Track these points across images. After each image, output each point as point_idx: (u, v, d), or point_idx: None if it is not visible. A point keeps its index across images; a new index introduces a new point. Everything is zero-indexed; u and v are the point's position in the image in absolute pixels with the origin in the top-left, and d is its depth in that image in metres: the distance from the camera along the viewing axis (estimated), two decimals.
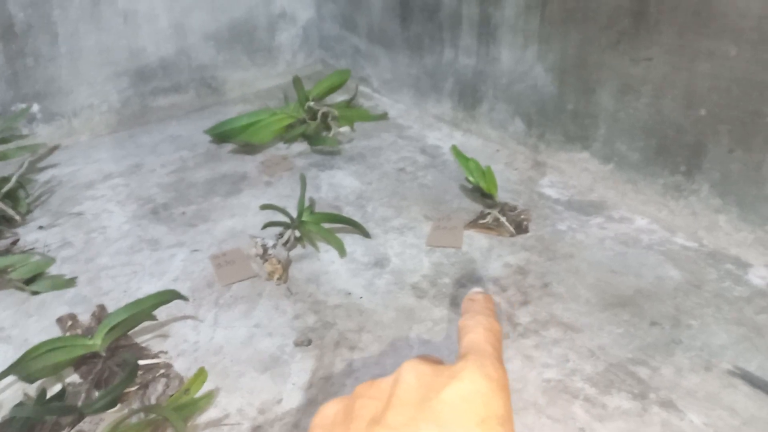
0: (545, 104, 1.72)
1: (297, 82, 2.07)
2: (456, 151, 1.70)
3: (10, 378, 1.20)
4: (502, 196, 1.69)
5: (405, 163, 1.94)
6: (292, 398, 1.17)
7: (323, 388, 1.19)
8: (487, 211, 1.61)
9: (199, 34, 2.28)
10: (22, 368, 1.17)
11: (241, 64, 2.42)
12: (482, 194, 1.68)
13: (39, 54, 2.01)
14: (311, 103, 2.08)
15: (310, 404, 1.16)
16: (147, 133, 2.20)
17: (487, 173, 1.63)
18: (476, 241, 1.57)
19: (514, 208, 1.62)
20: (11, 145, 1.92)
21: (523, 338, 1.28)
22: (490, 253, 1.53)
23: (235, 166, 1.99)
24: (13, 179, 1.72)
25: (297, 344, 1.30)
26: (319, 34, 2.54)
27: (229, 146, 2.09)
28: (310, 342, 1.30)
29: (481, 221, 1.59)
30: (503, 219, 1.57)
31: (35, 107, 2.06)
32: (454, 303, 1.38)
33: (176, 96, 2.31)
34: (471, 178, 1.65)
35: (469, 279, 1.45)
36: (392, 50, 2.20)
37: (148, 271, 1.54)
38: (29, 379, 1.17)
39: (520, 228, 1.57)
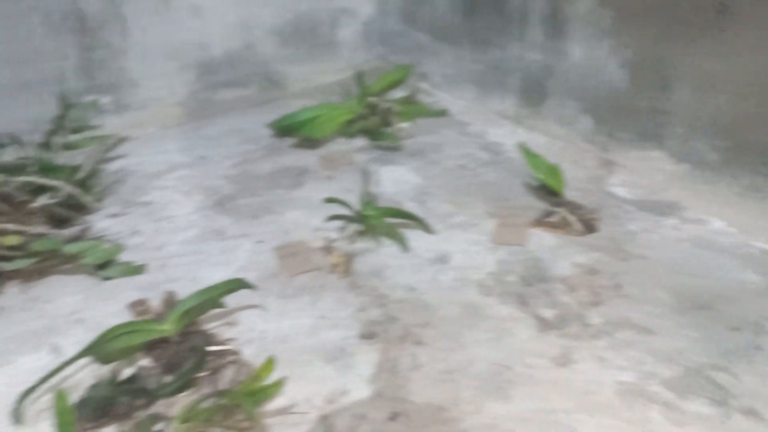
0: (617, 101, 1.68)
1: (359, 77, 2.07)
2: (523, 147, 1.67)
3: (86, 359, 1.23)
4: (569, 194, 1.66)
5: (466, 160, 1.92)
6: (359, 390, 1.17)
7: (389, 381, 1.18)
8: (555, 209, 1.58)
9: (264, 28, 2.30)
10: (97, 350, 1.20)
11: (303, 58, 2.44)
12: (548, 192, 1.65)
13: (110, 47, 2.07)
14: (372, 99, 2.08)
15: (377, 397, 1.15)
16: (212, 126, 2.24)
17: (554, 171, 1.60)
18: (543, 240, 1.54)
19: (582, 207, 1.59)
20: (83, 136, 1.97)
21: (595, 339, 1.24)
22: (558, 252, 1.50)
23: (297, 159, 2.01)
24: (87, 168, 1.77)
25: (362, 337, 1.30)
26: (380, 30, 2.54)
27: (291, 140, 2.11)
28: (375, 335, 1.30)
29: (548, 219, 1.56)
30: (572, 218, 1.54)
31: (106, 99, 2.12)
32: (522, 301, 1.35)
33: (240, 89, 2.35)
34: (538, 176, 1.62)
35: (536, 278, 1.42)
36: (455, 45, 2.18)
37: (215, 260, 1.56)
38: (104, 361, 1.20)
39: (589, 227, 1.54)
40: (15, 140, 1.76)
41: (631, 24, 1.59)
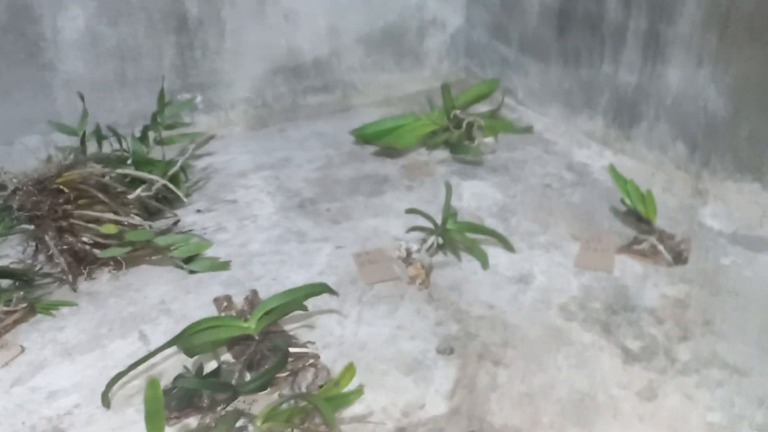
0: (715, 128, 1.61)
1: (445, 89, 2.07)
2: (614, 171, 1.63)
3: (171, 349, 1.28)
4: (658, 222, 1.60)
5: (551, 179, 1.89)
6: (436, 405, 1.17)
7: (467, 399, 1.17)
8: (643, 237, 1.53)
9: (352, 36, 2.34)
10: (184, 342, 1.24)
11: (388, 67, 2.46)
12: (637, 218, 1.60)
13: (206, 48, 2.14)
14: (457, 112, 2.07)
15: (454, 413, 1.14)
16: (296, 129, 2.28)
17: (647, 197, 1.55)
18: (629, 267, 1.50)
19: (672, 237, 1.54)
20: (175, 132, 2.04)
21: (682, 375, 1.20)
22: (645, 281, 1.45)
23: (378, 167, 2.02)
24: (179, 164, 1.83)
25: (440, 351, 1.29)
26: (466, 42, 2.53)
27: (372, 147, 2.13)
28: (452, 351, 1.29)
29: (636, 247, 1.52)
30: (661, 247, 1.49)
31: (198, 97, 2.19)
32: (606, 329, 1.32)
33: (325, 95, 2.39)
34: (627, 201, 1.58)
35: (622, 306, 1.38)
36: (544, 61, 2.15)
37: (296, 261, 1.59)
38: (189, 353, 1.24)
39: (679, 258, 1.48)
40: (114, 133, 1.84)
41: (735, 49, 1.53)
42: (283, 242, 1.67)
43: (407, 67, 2.49)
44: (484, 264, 1.53)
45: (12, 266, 1.53)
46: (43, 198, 1.47)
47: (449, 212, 1.59)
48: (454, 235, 1.56)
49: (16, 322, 1.40)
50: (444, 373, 1.24)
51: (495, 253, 1.57)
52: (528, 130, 2.16)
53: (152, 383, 1.03)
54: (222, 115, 2.27)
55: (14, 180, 1.53)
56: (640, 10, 1.75)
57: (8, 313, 1.39)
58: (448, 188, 1.63)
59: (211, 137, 2.21)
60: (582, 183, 1.86)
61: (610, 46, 1.88)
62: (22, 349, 1.34)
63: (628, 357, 1.25)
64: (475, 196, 1.82)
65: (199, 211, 1.81)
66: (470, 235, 1.58)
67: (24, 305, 1.41)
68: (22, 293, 1.44)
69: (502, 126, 2.15)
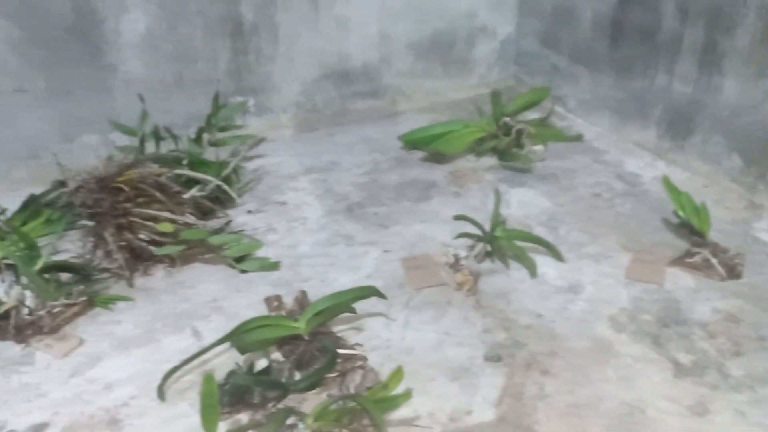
0: None
1: (495, 96, 2.07)
2: (668, 182, 1.61)
3: (223, 346, 1.31)
4: (711, 235, 1.57)
5: (601, 189, 1.88)
6: (482, 412, 1.17)
7: (514, 407, 1.18)
8: (696, 250, 1.51)
9: (402, 42, 2.36)
10: (236, 339, 1.27)
11: (436, 74, 2.47)
12: (690, 231, 1.58)
13: (260, 52, 2.18)
14: (506, 119, 2.07)
15: (501, 421, 1.15)
16: (344, 133, 2.31)
17: (701, 210, 1.53)
18: (681, 280, 1.47)
19: (726, 251, 1.51)
20: (228, 134, 2.09)
21: (734, 392, 1.18)
22: (697, 295, 1.43)
23: (425, 173, 2.03)
24: (232, 165, 1.88)
25: (487, 359, 1.29)
26: (516, 50, 2.53)
27: (420, 153, 2.14)
28: (500, 358, 1.29)
29: (689, 260, 1.50)
30: (714, 260, 1.46)
31: (250, 101, 2.23)
32: (656, 342, 1.30)
33: (373, 100, 2.41)
34: (681, 213, 1.56)
35: (673, 319, 1.36)
36: (596, 71, 2.14)
37: (344, 264, 1.61)
38: (241, 351, 1.27)
39: (733, 272, 1.46)
40: (171, 134, 1.89)
41: None
42: (331, 245, 1.69)
43: (455, 74, 2.50)
44: (533, 272, 1.52)
45: (72, 261, 1.59)
46: (104, 195, 1.53)
47: (498, 219, 1.59)
48: (503, 243, 1.56)
49: (76, 315, 1.46)
50: (491, 380, 1.24)
51: (543, 262, 1.56)
52: (578, 138, 2.14)
53: (208, 378, 1.06)
54: (273, 119, 2.31)
55: (77, 177, 1.59)
56: (698, 21, 1.73)
57: (68, 305, 1.45)
58: (498, 195, 1.63)
59: (262, 140, 2.25)
60: (632, 193, 1.84)
61: (664, 57, 1.85)
62: (81, 341, 1.39)
63: (679, 371, 1.23)
64: (523, 204, 1.82)
65: (249, 212, 1.85)
66: (519, 243, 1.58)
67: (83, 299, 1.47)
68: (81, 287, 1.49)
69: (551, 134, 2.13)
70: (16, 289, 1.50)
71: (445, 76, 2.48)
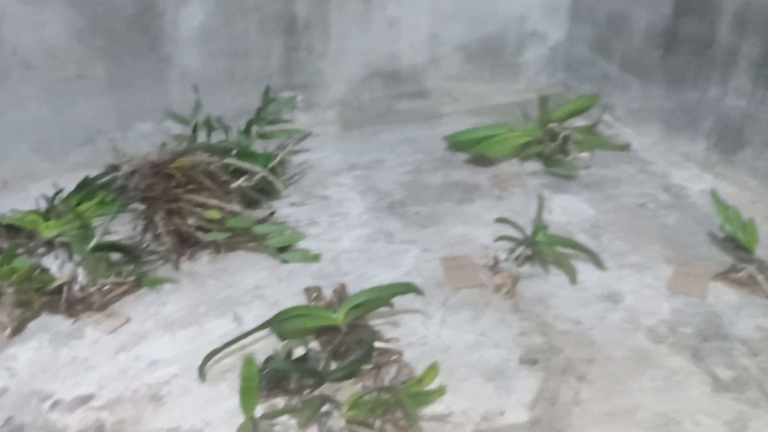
0: None
1: (543, 101, 2.07)
2: (715, 196, 1.58)
3: (262, 332, 1.34)
4: (757, 252, 1.54)
5: (646, 199, 1.85)
6: (516, 414, 1.18)
7: (548, 411, 1.18)
8: (742, 265, 1.48)
9: (452, 45, 2.37)
10: (276, 326, 1.31)
11: (484, 77, 2.47)
12: (736, 246, 1.55)
13: (311, 49, 2.22)
14: (553, 125, 2.06)
15: (534, 424, 1.15)
16: (389, 132, 2.33)
17: (748, 225, 1.50)
18: (724, 295, 1.45)
19: None
20: (276, 128, 2.14)
21: None
22: (740, 311, 1.40)
23: (468, 175, 2.04)
24: (278, 157, 1.92)
25: (523, 361, 1.30)
26: (566, 56, 2.52)
27: (464, 155, 2.14)
28: (536, 362, 1.29)
29: (733, 275, 1.47)
30: (761, 277, 1.44)
31: (299, 96, 2.28)
32: (696, 356, 1.29)
33: (419, 101, 2.43)
34: (727, 227, 1.53)
35: (714, 334, 1.34)
36: (646, 80, 2.11)
37: (383, 261, 1.63)
38: (281, 337, 1.30)
39: None
40: (222, 125, 1.94)
41: None
42: (372, 241, 1.71)
43: (503, 78, 2.50)
44: (573, 279, 1.52)
45: (123, 242, 1.65)
46: (157, 180, 1.58)
47: (540, 224, 1.59)
48: (544, 248, 1.56)
49: (124, 294, 1.51)
50: (526, 383, 1.24)
51: (584, 269, 1.56)
52: (624, 147, 2.12)
53: (249, 362, 1.09)
54: (319, 115, 2.35)
55: (132, 162, 1.65)
56: (756, 35, 1.70)
57: (117, 284, 1.50)
58: (541, 200, 1.63)
59: (308, 135, 2.29)
60: (678, 206, 1.81)
61: (718, 69, 1.83)
62: (128, 319, 1.44)
63: (718, 386, 1.22)
64: (566, 211, 1.81)
65: (293, 204, 1.89)
66: (560, 249, 1.57)
67: (132, 279, 1.52)
68: (130, 267, 1.54)
69: (597, 142, 2.12)
70: (69, 266, 1.56)
71: (493, 80, 2.49)
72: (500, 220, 1.66)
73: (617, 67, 2.25)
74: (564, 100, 2.36)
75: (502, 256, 1.56)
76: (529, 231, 1.60)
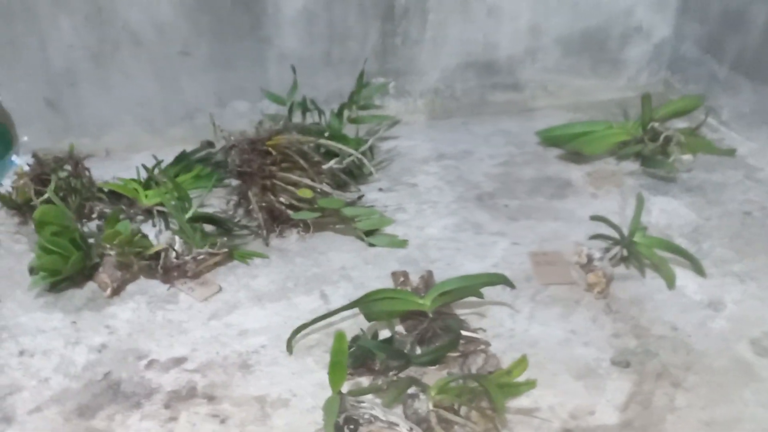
0: None
1: (646, 99, 1.98)
2: None
3: (348, 312, 1.35)
4: None
5: (752, 207, 1.75)
6: (606, 414, 1.14)
7: (641, 414, 1.13)
8: None
9: (552, 37, 2.31)
10: (364, 306, 1.31)
11: (583, 72, 2.40)
12: None
13: (407, 36, 2.22)
14: (655, 124, 1.98)
15: (626, 426, 1.11)
16: (480, 124, 2.30)
17: None
18: None
19: None
20: (367, 113, 2.14)
21: None
22: None
23: (561, 171, 1.98)
24: (370, 142, 1.93)
25: (615, 363, 1.25)
26: (671, 54, 2.40)
27: (557, 151, 2.09)
28: (629, 364, 1.24)
29: None
30: None
31: (392, 83, 2.27)
32: None
33: (513, 93, 2.38)
34: None
35: None
36: (762, 83, 1.99)
37: (471, 251, 1.61)
38: (368, 318, 1.30)
39: None
40: (317, 107, 1.97)
41: None
42: (460, 231, 1.70)
43: (602, 73, 2.41)
44: (671, 283, 1.45)
45: (217, 214, 1.70)
46: (254, 157, 1.62)
47: (638, 225, 1.53)
48: (642, 249, 1.50)
49: (216, 265, 1.55)
50: (618, 385, 1.20)
51: (682, 275, 1.49)
52: (730, 153, 2.01)
53: (340, 337, 1.10)
54: (410, 102, 2.34)
55: (231, 138, 1.69)
56: None
57: (211, 254, 1.54)
58: (640, 200, 1.57)
59: (397, 122, 2.29)
60: None
61: None
62: (220, 288, 1.48)
63: None
64: (665, 214, 1.73)
65: (381, 189, 1.89)
66: (658, 252, 1.51)
67: (225, 250, 1.56)
68: (224, 239, 1.59)
69: (702, 145, 2.01)
70: (166, 235, 1.62)
71: (592, 75, 2.41)
72: (596, 218, 1.60)
73: (727, 68, 2.13)
74: (665, 100, 2.26)
75: (597, 254, 1.51)
76: (625, 231, 1.54)
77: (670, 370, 1.23)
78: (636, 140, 2.00)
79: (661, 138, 1.95)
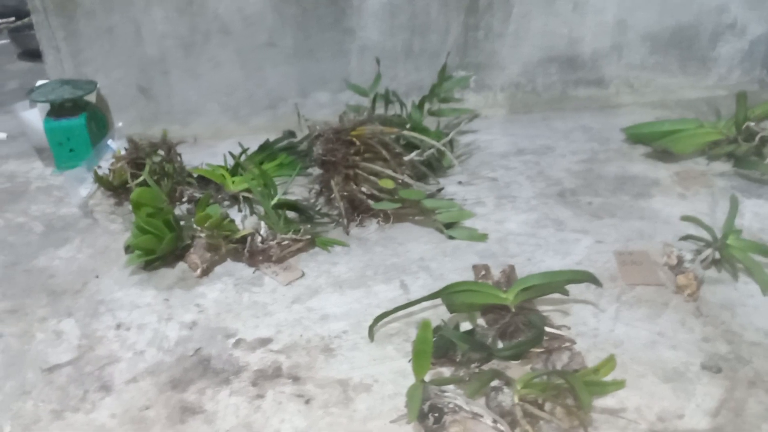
0: None
1: (741, 97, 1.90)
2: None
3: (428, 303, 1.35)
4: None
5: None
6: (696, 418, 1.10)
7: (732, 421, 1.09)
8: None
9: (639, 32, 2.24)
10: (446, 297, 1.31)
11: (671, 69, 2.32)
12: None
13: (490, 29, 2.20)
14: (751, 123, 1.89)
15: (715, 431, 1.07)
16: (561, 119, 2.26)
17: None
18: None
19: None
20: (447, 106, 2.14)
21: None
22: None
23: (647, 169, 1.93)
24: (450, 135, 1.93)
25: (705, 367, 1.21)
26: (767, 52, 2.30)
27: (642, 149, 2.03)
28: (719, 370, 1.20)
29: None
30: None
31: (473, 76, 2.26)
32: None
33: (596, 89, 2.33)
34: None
35: None
36: None
37: (552, 247, 1.59)
38: (450, 309, 1.30)
39: None
40: (398, 99, 1.98)
41: None
42: (540, 227, 1.67)
43: (691, 71, 2.33)
44: (765, 289, 1.39)
45: (300, 202, 1.73)
46: (338, 146, 1.64)
47: (732, 227, 1.47)
48: (735, 253, 1.44)
49: (299, 251, 1.59)
50: (708, 390, 1.16)
51: None
52: None
53: (426, 325, 1.10)
54: (490, 96, 2.32)
55: (316, 128, 1.73)
56: None
57: (294, 240, 1.58)
58: (735, 201, 1.51)
59: (477, 116, 2.28)
60: None
61: None
62: (303, 274, 1.51)
63: None
64: (759, 217, 1.66)
65: (460, 183, 1.89)
66: (753, 256, 1.44)
67: (307, 237, 1.59)
68: (307, 226, 1.62)
69: None
70: (253, 219, 1.67)
71: (680, 73, 2.33)
72: (687, 219, 1.55)
73: None
74: (760, 99, 2.15)
75: (687, 256, 1.46)
76: (716, 233, 1.49)
77: (764, 378, 1.17)
78: (728, 140, 1.92)
79: (757, 138, 1.86)
